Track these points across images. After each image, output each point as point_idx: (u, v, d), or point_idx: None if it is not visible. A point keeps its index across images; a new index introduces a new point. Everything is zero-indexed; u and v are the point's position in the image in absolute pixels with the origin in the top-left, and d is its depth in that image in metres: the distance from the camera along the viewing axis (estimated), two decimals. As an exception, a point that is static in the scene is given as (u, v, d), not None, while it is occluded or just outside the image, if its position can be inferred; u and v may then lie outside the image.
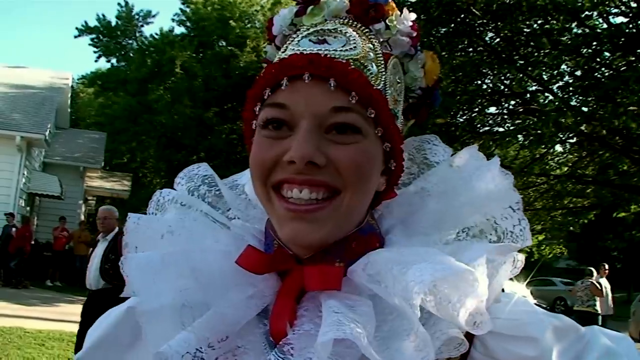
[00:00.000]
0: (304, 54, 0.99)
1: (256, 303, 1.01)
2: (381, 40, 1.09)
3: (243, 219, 1.19)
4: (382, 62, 1.05)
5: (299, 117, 0.96)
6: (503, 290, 1.00)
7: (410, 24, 1.13)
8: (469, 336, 0.92)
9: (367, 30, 1.07)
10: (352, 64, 0.99)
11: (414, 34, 1.13)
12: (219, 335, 0.97)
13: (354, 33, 1.04)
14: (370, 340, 0.87)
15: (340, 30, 1.04)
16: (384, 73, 1.04)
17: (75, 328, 9.48)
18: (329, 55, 0.98)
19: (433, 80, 1.18)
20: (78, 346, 8.28)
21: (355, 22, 1.07)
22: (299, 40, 1.04)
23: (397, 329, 0.91)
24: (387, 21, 1.10)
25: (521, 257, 1.00)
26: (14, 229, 19.18)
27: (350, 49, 1.01)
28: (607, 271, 16.39)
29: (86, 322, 8.15)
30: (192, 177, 1.26)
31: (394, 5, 1.12)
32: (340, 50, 1.00)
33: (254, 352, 0.99)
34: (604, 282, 16.02)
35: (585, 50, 14.11)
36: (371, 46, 1.05)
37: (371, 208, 1.09)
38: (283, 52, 1.06)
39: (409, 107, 1.18)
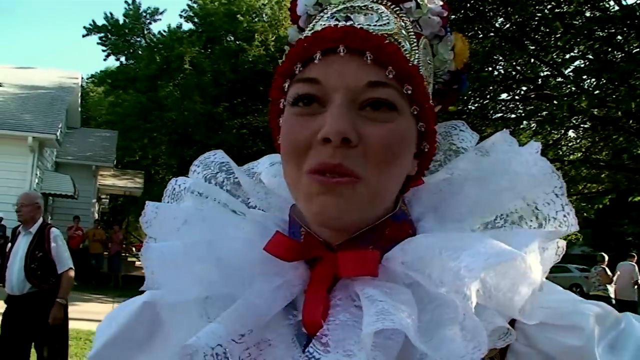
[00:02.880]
0: (338, 26, 0.94)
1: (284, 294, 0.96)
2: (412, 19, 1.04)
3: (263, 208, 1.15)
4: (415, 40, 1.01)
5: (332, 92, 0.91)
6: None
7: (441, 3, 1.08)
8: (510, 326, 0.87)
9: (397, 8, 1.02)
10: (387, 39, 0.94)
11: (445, 14, 1.08)
12: (247, 328, 0.92)
13: (386, 10, 1.00)
14: (415, 329, 0.82)
15: (371, 7, 1.00)
16: (417, 51, 1.00)
17: (93, 327, 9.38)
18: (364, 28, 0.93)
19: (462, 63, 1.14)
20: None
21: (386, 0, 1.02)
22: (328, 17, 1.00)
23: (438, 318, 0.86)
24: (417, 0, 1.04)
25: (562, 244, 0.97)
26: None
27: (384, 24, 0.97)
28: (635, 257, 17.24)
29: (6, 336, 6.94)
30: (208, 164, 1.22)
31: None
32: (374, 25, 0.96)
33: (283, 345, 0.94)
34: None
35: (598, 33, 14.01)
36: (403, 24, 1.00)
37: (401, 193, 1.04)
38: (310, 31, 1.01)
39: (435, 92, 1.13)
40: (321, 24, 1.00)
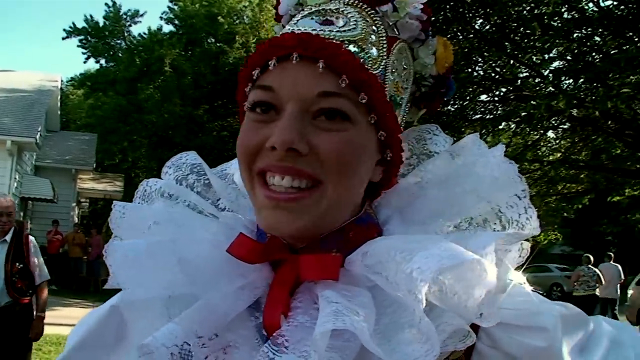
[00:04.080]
0: (295, 33, 0.94)
1: (247, 295, 0.97)
2: (389, 23, 1.04)
3: (233, 209, 1.14)
4: (385, 45, 1.00)
5: (286, 101, 0.92)
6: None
7: (422, 6, 1.07)
8: (474, 328, 0.87)
9: (372, 12, 1.02)
10: (347, 45, 0.94)
11: (425, 18, 1.07)
12: (207, 328, 0.92)
13: (357, 14, 1.00)
14: (371, 332, 0.82)
15: (342, 11, 1.00)
16: (385, 57, 0.99)
17: (72, 331, 9.31)
18: (321, 36, 0.93)
19: (445, 67, 1.14)
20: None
21: (361, 3, 1.02)
22: (298, 20, 1.00)
23: (397, 321, 0.87)
24: (395, 3, 1.04)
25: (527, 246, 0.98)
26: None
27: (349, 29, 0.97)
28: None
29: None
30: (180, 165, 1.22)
31: None
32: (337, 31, 0.96)
33: (246, 347, 0.94)
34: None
35: (576, 34, 14.12)
36: (374, 29, 1.00)
37: (370, 198, 1.05)
38: (287, 31, 1.01)
39: (421, 96, 1.14)
40: (287, 29, 1.00)
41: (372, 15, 1.02)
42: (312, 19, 0.99)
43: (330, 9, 1.00)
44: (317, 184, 0.92)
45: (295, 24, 1.00)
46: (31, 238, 6.94)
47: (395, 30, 1.05)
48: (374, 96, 0.93)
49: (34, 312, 6.81)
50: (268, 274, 0.99)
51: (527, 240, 0.99)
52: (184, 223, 1.07)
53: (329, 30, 0.95)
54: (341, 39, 0.95)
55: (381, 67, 0.98)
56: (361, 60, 0.94)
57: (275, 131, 0.90)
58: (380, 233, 1.02)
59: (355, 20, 0.98)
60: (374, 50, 0.98)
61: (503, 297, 0.89)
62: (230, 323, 0.94)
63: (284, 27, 1.10)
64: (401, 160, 1.03)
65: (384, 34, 1.01)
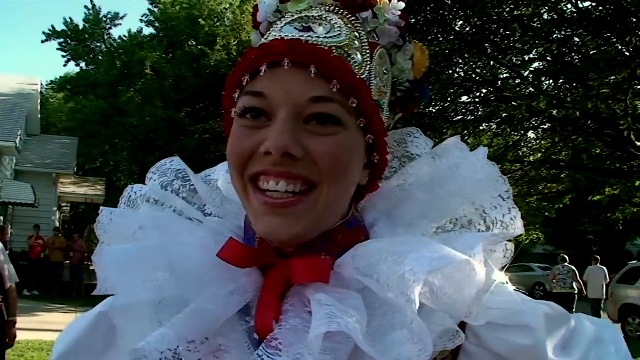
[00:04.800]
0: (284, 39, 0.96)
1: (238, 299, 0.97)
2: (368, 29, 1.05)
3: (219, 215, 1.15)
4: (368, 51, 1.02)
5: (278, 107, 0.92)
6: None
7: (399, 13, 1.09)
8: (461, 327, 0.89)
9: (353, 18, 1.04)
10: (335, 51, 0.95)
11: (403, 24, 1.09)
12: (199, 333, 0.92)
13: (340, 21, 1.01)
14: (364, 334, 0.84)
15: (325, 18, 1.01)
16: (369, 63, 1.01)
17: (54, 337, 9.21)
18: (310, 42, 0.95)
19: (421, 72, 1.16)
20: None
21: (342, 10, 1.03)
22: (282, 27, 1.01)
23: (388, 323, 0.88)
24: (374, 10, 1.06)
25: (511, 247, 1.00)
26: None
27: (334, 36, 0.98)
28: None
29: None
30: (164, 171, 1.22)
31: None
32: (324, 38, 0.97)
33: (237, 351, 0.94)
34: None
35: (556, 35, 14.25)
36: (357, 35, 1.02)
37: (356, 201, 1.06)
38: (265, 39, 1.03)
39: (396, 101, 1.15)
40: (273, 35, 1.01)
41: (353, 22, 1.03)
42: (294, 26, 1.00)
43: (312, 16, 1.01)
44: (311, 187, 0.93)
45: (280, 30, 1.01)
46: None
47: (375, 36, 1.07)
48: (362, 100, 0.95)
49: (5, 317, 6.70)
50: (258, 278, 1.00)
51: (509, 240, 1.01)
52: (170, 228, 1.07)
53: (316, 37, 0.97)
54: (329, 45, 0.96)
55: (366, 72, 1.00)
56: (349, 65, 0.96)
57: (270, 136, 0.91)
58: (367, 236, 1.03)
59: (340, 27, 1.00)
60: (358, 56, 0.99)
61: (488, 296, 0.91)
62: (220, 327, 0.94)
63: (262, 34, 1.11)
64: (387, 163, 1.05)
65: (365, 40, 1.03)
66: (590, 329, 1.00)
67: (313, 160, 0.92)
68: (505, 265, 1.03)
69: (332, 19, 1.01)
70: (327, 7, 1.03)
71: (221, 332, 0.95)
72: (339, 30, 0.99)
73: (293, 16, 1.02)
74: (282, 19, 1.04)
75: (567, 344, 0.96)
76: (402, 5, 1.10)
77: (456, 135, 1.13)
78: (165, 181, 1.20)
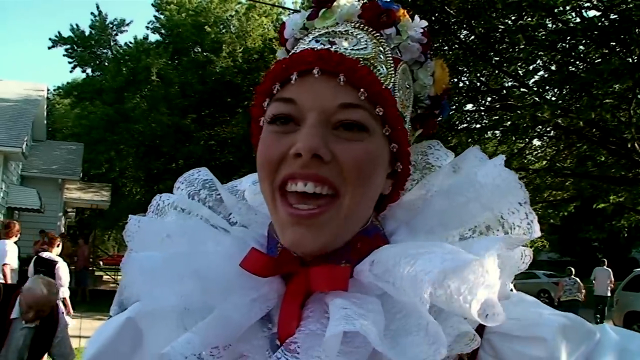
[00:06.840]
0: (314, 49, 1.00)
1: (260, 307, 1.01)
2: (392, 45, 1.10)
3: (244, 224, 1.18)
4: (392, 65, 1.06)
5: (307, 112, 0.97)
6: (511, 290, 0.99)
7: (422, 30, 1.14)
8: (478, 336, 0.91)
9: (378, 34, 1.08)
10: (361, 62, 0.99)
11: (425, 41, 1.14)
12: (222, 339, 0.96)
13: (365, 36, 1.06)
14: (380, 336, 0.86)
15: (351, 33, 1.06)
16: (393, 75, 1.05)
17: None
18: (339, 52, 0.99)
19: (442, 89, 1.19)
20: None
21: (367, 27, 1.08)
22: (309, 41, 1.06)
23: (405, 326, 0.91)
24: (398, 27, 1.10)
25: (529, 252, 1.01)
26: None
27: (361, 49, 1.03)
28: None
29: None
30: (192, 181, 1.26)
31: (405, 11, 1.13)
32: (351, 49, 1.02)
33: (259, 357, 0.98)
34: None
35: (560, 45, 14.22)
36: (381, 49, 1.06)
37: (377, 211, 1.09)
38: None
39: (417, 117, 1.19)
40: (302, 48, 1.06)
41: (378, 38, 1.08)
42: (320, 41, 1.05)
43: (339, 31, 1.06)
44: (335, 194, 0.97)
45: (307, 44, 1.06)
46: None
47: (398, 52, 1.11)
48: (388, 110, 0.99)
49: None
50: (279, 286, 1.03)
51: (529, 245, 1.02)
52: (196, 236, 1.10)
53: (344, 49, 1.02)
54: (355, 56, 1.01)
55: (391, 83, 1.04)
56: (376, 75, 1.00)
57: (299, 138, 0.95)
58: (387, 243, 1.05)
59: (365, 41, 1.05)
60: (383, 69, 1.04)
61: (505, 305, 0.91)
62: (243, 334, 0.98)
63: (288, 51, 1.16)
64: (409, 173, 1.09)
65: (390, 55, 1.07)
66: (615, 340, 0.98)
67: (339, 164, 0.95)
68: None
69: (357, 34, 1.06)
70: (353, 24, 1.08)
71: (244, 338, 0.98)
72: (365, 44, 1.04)
73: (320, 31, 1.08)
74: (309, 34, 1.09)
75: (591, 355, 0.95)
76: (425, 23, 1.15)
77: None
78: (192, 190, 1.24)
